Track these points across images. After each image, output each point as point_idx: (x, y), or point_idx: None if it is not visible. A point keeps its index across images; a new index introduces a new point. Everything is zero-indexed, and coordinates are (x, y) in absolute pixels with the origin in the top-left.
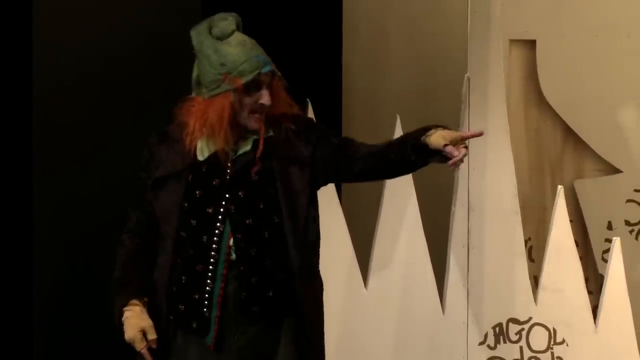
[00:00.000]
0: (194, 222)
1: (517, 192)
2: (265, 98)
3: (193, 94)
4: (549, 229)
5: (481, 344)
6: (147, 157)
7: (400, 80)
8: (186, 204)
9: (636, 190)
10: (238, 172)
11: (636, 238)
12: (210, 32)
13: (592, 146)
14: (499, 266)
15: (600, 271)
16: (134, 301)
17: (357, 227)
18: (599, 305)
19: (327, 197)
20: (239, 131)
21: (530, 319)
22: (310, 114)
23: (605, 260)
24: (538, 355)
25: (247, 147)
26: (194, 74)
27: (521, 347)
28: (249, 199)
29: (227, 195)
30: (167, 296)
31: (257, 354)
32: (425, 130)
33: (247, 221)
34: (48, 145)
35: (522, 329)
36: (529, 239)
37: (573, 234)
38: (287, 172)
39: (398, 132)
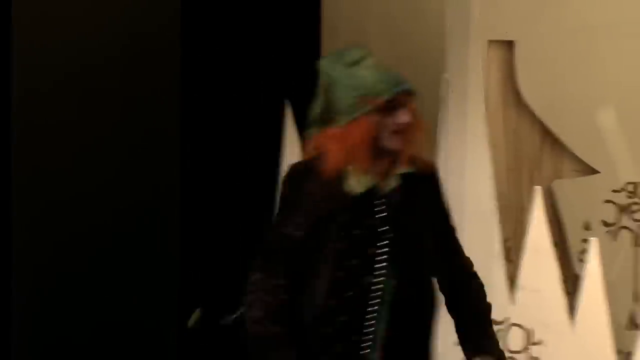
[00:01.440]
0: (355, 262)
1: (495, 193)
2: (404, 117)
3: (312, 130)
4: (527, 230)
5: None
6: (292, 191)
7: None
8: (344, 244)
9: (614, 191)
10: (394, 210)
11: (613, 238)
12: (341, 60)
13: (570, 147)
14: (476, 266)
15: (577, 271)
16: None
17: None
18: (576, 305)
19: None
20: (383, 163)
21: (507, 319)
22: (289, 115)
23: (583, 261)
24: (515, 355)
25: (394, 183)
26: (318, 109)
27: None
28: (405, 240)
29: (388, 236)
30: (320, 337)
31: None
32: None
33: (405, 264)
34: (27, 147)
35: (500, 329)
36: (507, 239)
37: (551, 235)
38: (427, 214)
39: None
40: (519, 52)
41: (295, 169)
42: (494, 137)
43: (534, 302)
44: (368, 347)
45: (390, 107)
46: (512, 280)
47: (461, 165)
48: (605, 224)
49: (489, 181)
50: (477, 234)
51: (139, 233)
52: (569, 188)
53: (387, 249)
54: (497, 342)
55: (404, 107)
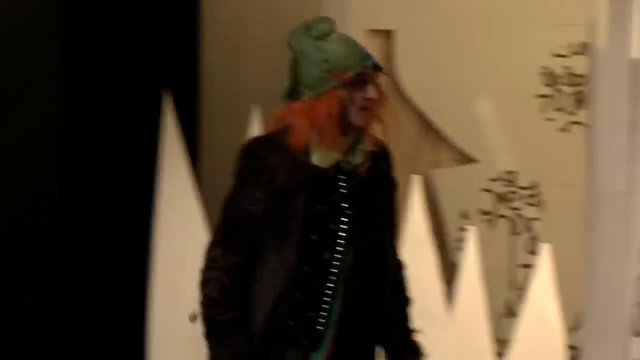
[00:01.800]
0: (314, 237)
1: None
2: (372, 92)
3: (282, 107)
4: (405, 219)
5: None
6: (256, 166)
7: (260, 70)
8: (306, 219)
9: (491, 180)
10: (355, 186)
11: (490, 227)
12: (308, 33)
13: (448, 136)
14: None
15: (455, 260)
16: None
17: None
18: (454, 294)
19: (183, 186)
20: (348, 138)
21: None
22: (169, 104)
23: (460, 249)
24: None
25: (359, 159)
26: (287, 84)
27: None
28: (364, 217)
29: (349, 212)
30: (275, 313)
31: None
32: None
33: (363, 241)
34: None
35: None
36: None
37: (429, 223)
38: (383, 192)
39: (255, 123)
40: (398, 41)
41: (256, 142)
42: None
43: (412, 291)
44: (323, 324)
45: (357, 82)
46: None
47: None
48: (483, 212)
49: None
50: None
51: (15, 232)
52: (446, 177)
53: (347, 226)
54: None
55: (372, 82)
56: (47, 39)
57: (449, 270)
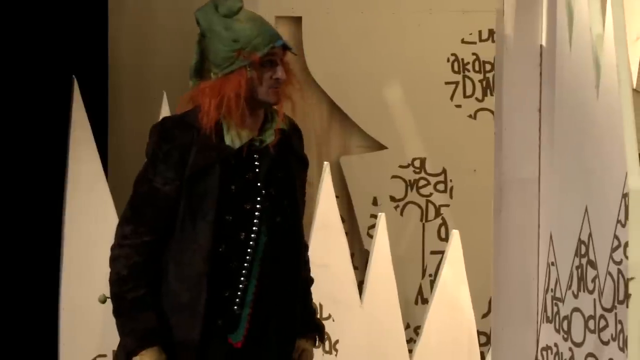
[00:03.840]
0: (229, 217)
1: None
2: (280, 72)
3: (191, 83)
4: (315, 205)
5: None
6: (165, 147)
7: (168, 56)
8: (222, 199)
9: (401, 167)
10: (269, 165)
11: (401, 214)
12: (217, 11)
13: (358, 122)
14: None
15: (366, 247)
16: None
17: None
18: (365, 280)
19: (93, 173)
20: (258, 117)
21: None
22: (77, 91)
23: (371, 236)
24: None
25: (271, 138)
26: (194, 60)
27: None
28: (278, 196)
29: (263, 191)
30: (196, 292)
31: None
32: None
33: (277, 219)
34: None
35: None
36: None
37: (339, 210)
38: (296, 170)
39: (165, 109)
40: (306, 28)
41: (167, 121)
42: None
43: (323, 278)
44: (239, 303)
45: (266, 61)
46: None
47: None
48: (393, 199)
49: None
50: None
51: None
52: (356, 164)
53: (260, 205)
54: (318, 318)
55: (281, 62)
56: None
57: (360, 257)
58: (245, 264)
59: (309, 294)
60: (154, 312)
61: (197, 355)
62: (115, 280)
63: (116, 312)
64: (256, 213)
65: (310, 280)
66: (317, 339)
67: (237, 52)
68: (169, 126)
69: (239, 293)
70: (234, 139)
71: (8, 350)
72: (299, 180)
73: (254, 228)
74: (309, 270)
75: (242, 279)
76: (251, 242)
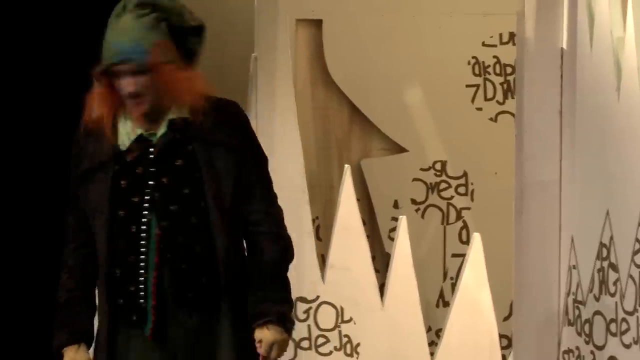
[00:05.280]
0: (121, 213)
1: (305, 171)
2: (127, 87)
3: None
4: (336, 208)
5: None
6: (75, 152)
7: None
8: (113, 196)
9: (422, 169)
10: (159, 157)
11: (422, 216)
12: (124, 7)
13: (378, 125)
14: None
15: (387, 249)
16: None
17: None
18: (386, 283)
19: None
20: (159, 112)
21: (317, 297)
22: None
23: (392, 239)
24: (326, 333)
25: (163, 130)
26: None
27: (309, 326)
28: (174, 185)
29: (150, 183)
30: (107, 292)
31: (198, 346)
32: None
33: (172, 207)
34: None
35: (310, 308)
36: (317, 217)
37: (360, 213)
38: (210, 155)
39: None
40: (327, 31)
41: (79, 127)
42: (303, 115)
43: (345, 280)
44: (143, 297)
45: (114, 74)
46: (322, 258)
47: (270, 144)
48: (414, 202)
49: (298, 160)
50: (287, 212)
51: None
52: (377, 167)
53: (149, 197)
54: (283, 307)
55: (127, 76)
56: None
57: (382, 260)
58: (142, 256)
59: (266, 278)
60: (82, 315)
61: (108, 354)
62: (59, 289)
63: (57, 317)
64: (145, 205)
65: (273, 263)
66: (283, 328)
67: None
68: (78, 133)
69: (141, 286)
70: (122, 137)
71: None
72: (225, 162)
73: (143, 220)
74: (264, 253)
75: (141, 271)
76: (142, 234)
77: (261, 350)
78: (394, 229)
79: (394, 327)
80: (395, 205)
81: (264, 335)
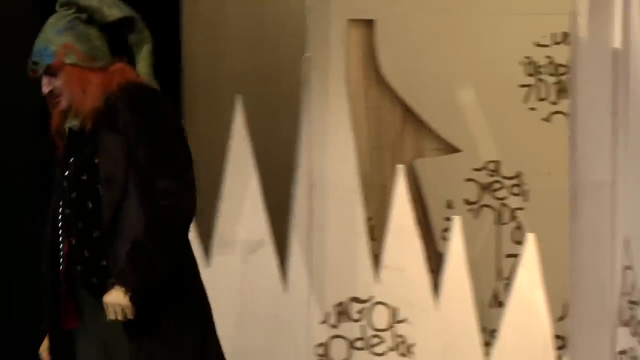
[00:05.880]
0: (55, 197)
1: (358, 172)
2: (43, 88)
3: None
4: (390, 208)
5: (323, 322)
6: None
7: (241, 60)
8: (56, 184)
9: (475, 170)
10: (70, 145)
11: (475, 217)
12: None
13: (432, 125)
14: (341, 245)
15: (440, 250)
16: None
17: (199, 207)
18: (440, 283)
19: None
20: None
21: (371, 297)
22: None
23: (445, 239)
24: (380, 333)
25: (75, 122)
26: None
27: (363, 326)
28: (75, 173)
29: (65, 170)
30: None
31: (109, 332)
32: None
33: (72, 195)
34: None
35: (364, 308)
36: (370, 218)
37: (414, 213)
38: (108, 140)
39: (239, 113)
40: (379, 31)
41: None
42: (356, 116)
43: (398, 281)
44: (68, 281)
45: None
46: (376, 258)
47: (323, 144)
48: (467, 202)
49: (351, 160)
50: (341, 212)
51: None
52: (430, 167)
53: (67, 183)
54: (129, 273)
55: (44, 77)
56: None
57: (435, 260)
58: (60, 246)
59: (130, 250)
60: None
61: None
62: None
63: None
64: (64, 183)
65: (141, 236)
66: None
67: None
68: None
69: (59, 277)
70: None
71: None
72: (120, 145)
73: (59, 209)
74: (143, 225)
75: (60, 260)
76: (59, 224)
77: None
78: (447, 229)
79: (448, 327)
80: (449, 205)
81: (109, 298)
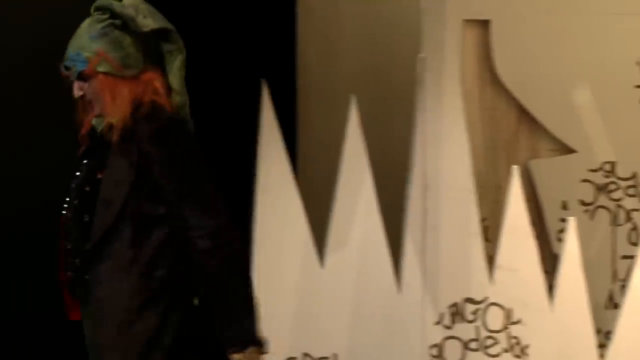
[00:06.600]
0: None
1: (472, 172)
2: (75, 91)
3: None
4: (505, 209)
5: (437, 323)
6: None
7: (356, 60)
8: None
9: (591, 170)
10: (90, 147)
11: (590, 218)
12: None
13: (547, 126)
14: (455, 245)
15: (555, 250)
16: None
17: (314, 207)
18: (555, 284)
19: (282, 176)
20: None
21: (486, 298)
22: (266, 94)
23: (561, 240)
24: (494, 335)
25: (101, 126)
26: None
27: (477, 327)
28: (81, 183)
29: (78, 171)
30: None
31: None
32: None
33: (75, 201)
34: None
35: (478, 309)
36: (485, 218)
37: (528, 214)
38: (116, 161)
39: (354, 113)
40: (495, 31)
41: None
42: (471, 116)
43: (513, 282)
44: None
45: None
46: (490, 259)
47: (438, 145)
48: (583, 203)
49: (466, 160)
50: (455, 212)
51: None
52: (545, 167)
53: (74, 185)
54: (248, 325)
55: (75, 81)
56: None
57: (550, 261)
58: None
59: (220, 297)
60: None
61: None
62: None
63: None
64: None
65: (226, 285)
66: None
67: None
68: None
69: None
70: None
71: None
72: (129, 165)
73: (69, 208)
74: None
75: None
76: (64, 219)
77: None
78: (562, 230)
79: (563, 328)
80: (564, 206)
81: None
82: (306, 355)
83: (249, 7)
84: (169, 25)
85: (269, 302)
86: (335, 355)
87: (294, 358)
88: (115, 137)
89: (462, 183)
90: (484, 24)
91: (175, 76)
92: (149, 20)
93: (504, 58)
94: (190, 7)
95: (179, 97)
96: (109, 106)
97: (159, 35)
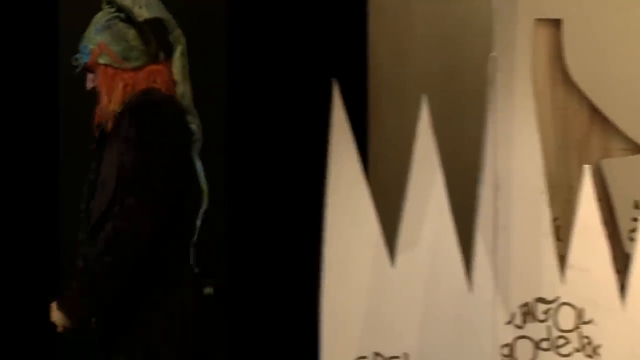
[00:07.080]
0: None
1: (544, 171)
2: (88, 83)
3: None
4: (576, 209)
5: (508, 323)
6: None
7: (427, 59)
8: None
9: None
10: (98, 141)
11: None
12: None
13: (619, 125)
14: (526, 245)
15: (627, 250)
16: None
17: (384, 206)
18: (626, 284)
19: (353, 175)
20: None
21: (557, 298)
22: (337, 94)
23: (632, 240)
24: (565, 334)
25: (97, 120)
26: None
27: (549, 327)
28: (93, 173)
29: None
30: None
31: None
32: None
33: (87, 190)
34: None
35: (550, 309)
36: (556, 218)
37: (600, 213)
38: (110, 147)
39: (425, 113)
40: (566, 30)
41: None
42: (542, 115)
43: (584, 281)
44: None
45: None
46: (561, 259)
47: (509, 145)
48: None
49: (537, 160)
50: (526, 212)
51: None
52: (618, 167)
53: (88, 177)
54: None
55: (90, 72)
56: (216, 31)
57: (622, 261)
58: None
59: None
60: None
61: None
62: None
63: None
64: (85, 184)
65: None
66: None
67: None
68: None
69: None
70: None
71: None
72: (114, 156)
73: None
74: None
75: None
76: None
77: None
78: (634, 230)
79: (635, 328)
80: (636, 205)
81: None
82: (377, 354)
83: (321, 7)
84: (165, 15)
85: (340, 302)
86: (406, 355)
87: (364, 357)
88: (109, 126)
89: (534, 183)
90: (556, 23)
91: (175, 66)
92: (144, 10)
93: (576, 57)
94: (263, 7)
95: (180, 87)
96: (105, 97)
97: (163, 26)
